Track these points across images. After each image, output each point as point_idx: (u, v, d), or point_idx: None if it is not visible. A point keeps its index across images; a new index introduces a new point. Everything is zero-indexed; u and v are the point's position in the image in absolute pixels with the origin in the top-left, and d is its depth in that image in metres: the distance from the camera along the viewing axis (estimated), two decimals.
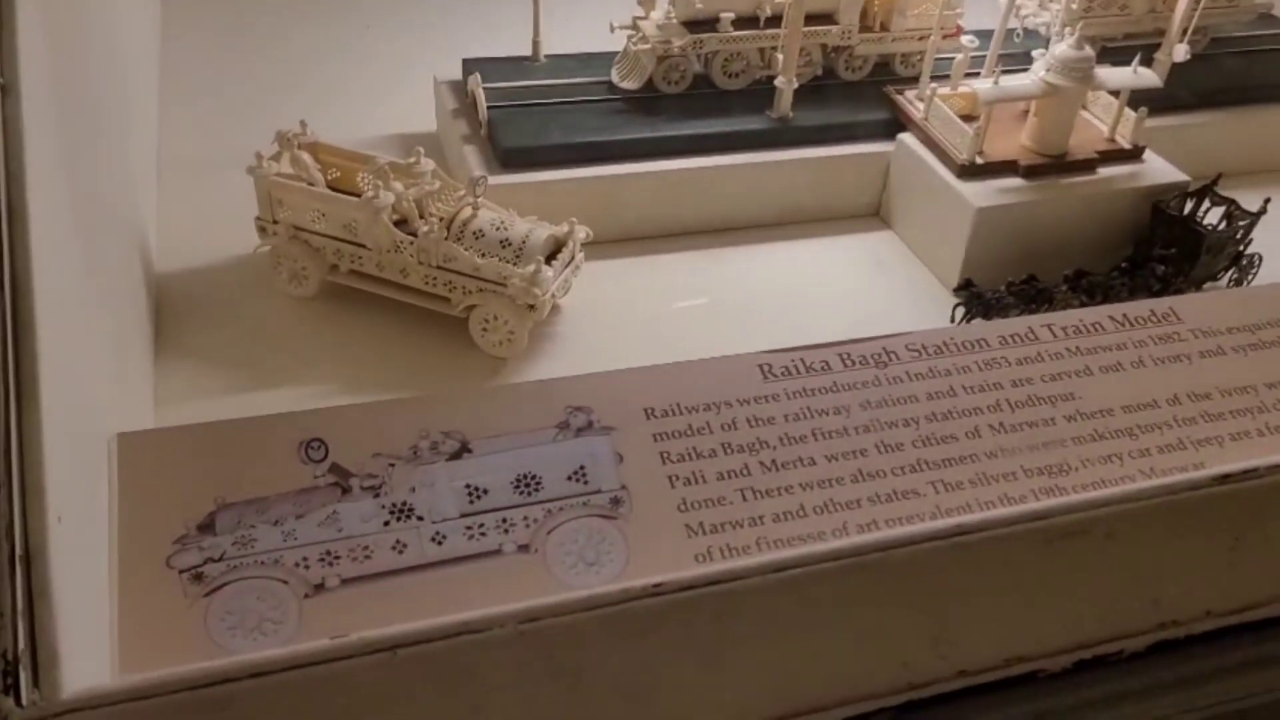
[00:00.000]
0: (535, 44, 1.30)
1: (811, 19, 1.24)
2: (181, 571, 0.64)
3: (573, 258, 1.05)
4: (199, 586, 0.64)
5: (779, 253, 1.22)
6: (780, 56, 1.22)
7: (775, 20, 1.23)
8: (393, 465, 0.71)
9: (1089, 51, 1.13)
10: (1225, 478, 0.62)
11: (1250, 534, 0.62)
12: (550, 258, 1.02)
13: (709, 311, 1.13)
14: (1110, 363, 0.84)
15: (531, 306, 0.99)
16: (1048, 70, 1.13)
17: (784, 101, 1.24)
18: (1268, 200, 1.14)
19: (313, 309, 1.06)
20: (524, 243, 1.01)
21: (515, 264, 0.99)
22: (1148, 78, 1.16)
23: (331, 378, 0.99)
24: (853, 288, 1.18)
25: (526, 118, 1.19)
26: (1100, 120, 1.22)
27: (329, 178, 1.06)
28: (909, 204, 1.24)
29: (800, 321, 1.11)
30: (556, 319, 1.08)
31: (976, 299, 1.08)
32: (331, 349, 1.03)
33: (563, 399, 0.75)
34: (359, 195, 1.01)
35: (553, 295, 1.02)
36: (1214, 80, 1.38)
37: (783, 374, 0.80)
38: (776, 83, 1.23)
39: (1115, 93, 1.19)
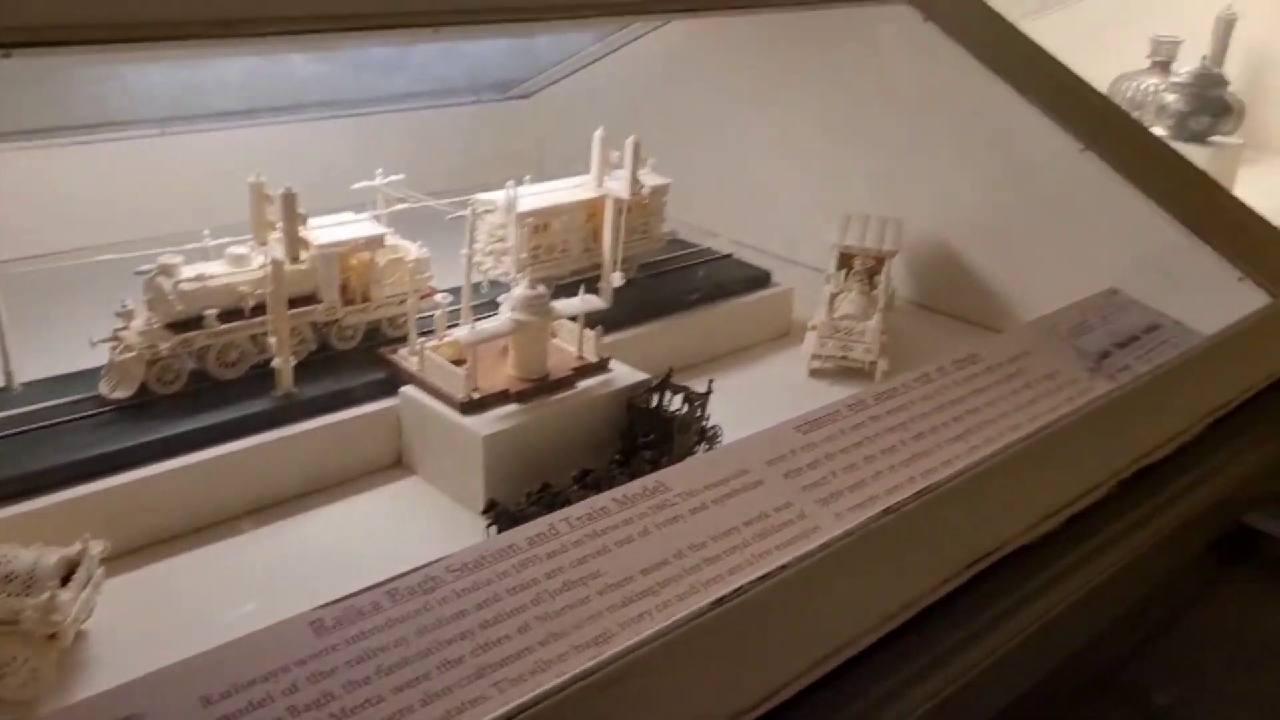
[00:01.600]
0: (8, 374, 1.24)
1: (295, 301, 1.32)
2: None
3: (90, 576, 1.00)
4: None
5: (314, 521, 1.24)
6: (273, 340, 1.28)
7: (261, 308, 1.30)
8: None
9: (542, 290, 1.32)
10: (721, 601, 0.75)
11: (751, 643, 0.75)
12: (65, 580, 0.97)
13: (252, 594, 1.11)
14: (622, 537, 0.96)
15: (53, 636, 0.93)
16: (513, 310, 1.30)
17: (284, 380, 1.29)
18: (711, 381, 1.38)
19: None
20: (32, 572, 0.95)
21: (27, 596, 0.93)
22: (594, 302, 1.38)
23: None
24: (392, 537, 1.23)
25: (9, 448, 1.14)
26: (568, 343, 1.41)
27: None
28: (425, 448, 1.33)
29: (348, 583, 1.13)
30: (85, 645, 1.01)
31: (504, 515, 1.17)
32: None
33: (108, 714, 0.72)
34: None
35: (75, 619, 0.96)
36: (647, 297, 1.66)
37: (335, 625, 0.82)
38: (274, 364, 1.28)
39: (575, 318, 1.39)
